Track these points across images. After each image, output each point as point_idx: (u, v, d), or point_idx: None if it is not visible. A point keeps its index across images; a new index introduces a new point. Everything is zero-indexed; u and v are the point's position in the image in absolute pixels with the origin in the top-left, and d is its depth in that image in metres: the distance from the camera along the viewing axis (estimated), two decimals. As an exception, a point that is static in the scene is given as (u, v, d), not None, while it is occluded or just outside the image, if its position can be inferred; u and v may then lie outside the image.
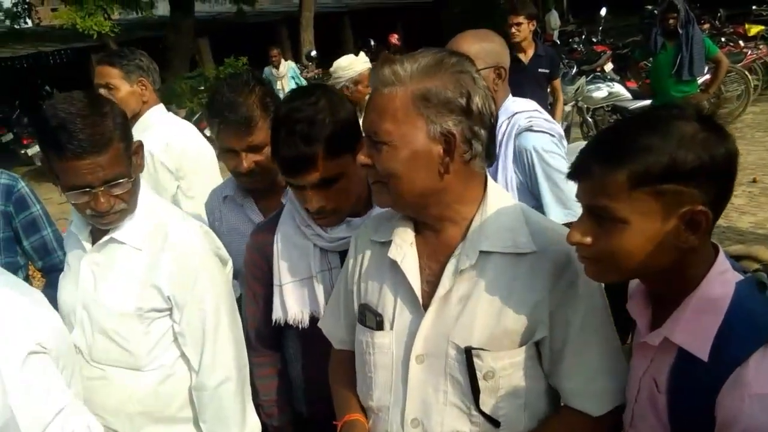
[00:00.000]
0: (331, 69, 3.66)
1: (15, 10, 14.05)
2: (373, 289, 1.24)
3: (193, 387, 1.54)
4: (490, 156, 1.15)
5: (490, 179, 1.20)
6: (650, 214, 0.92)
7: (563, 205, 1.88)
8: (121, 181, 1.38)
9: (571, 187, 2.07)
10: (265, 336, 1.61)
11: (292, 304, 1.48)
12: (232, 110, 1.64)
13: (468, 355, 1.11)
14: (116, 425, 1.52)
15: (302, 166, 1.31)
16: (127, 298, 1.47)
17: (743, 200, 5.14)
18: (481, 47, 1.82)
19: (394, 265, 1.19)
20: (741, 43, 8.53)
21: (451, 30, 1.96)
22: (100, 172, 1.33)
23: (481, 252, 1.12)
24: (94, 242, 1.51)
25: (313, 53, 12.01)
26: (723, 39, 8.68)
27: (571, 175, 1.01)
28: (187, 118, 9.53)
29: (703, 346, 0.94)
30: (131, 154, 1.43)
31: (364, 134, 1.15)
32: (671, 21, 4.86)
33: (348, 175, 1.36)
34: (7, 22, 14.37)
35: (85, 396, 1.51)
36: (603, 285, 1.16)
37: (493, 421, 1.12)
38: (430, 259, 1.18)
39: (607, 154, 0.94)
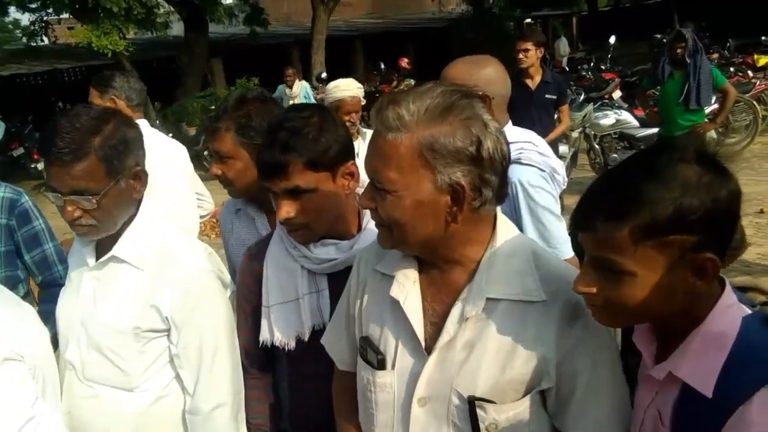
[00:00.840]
0: None
1: (32, 28, 14.28)
2: (375, 324, 1.21)
3: (187, 410, 1.51)
4: (501, 197, 1.10)
5: (500, 214, 1.16)
6: (657, 265, 0.90)
7: (546, 243, 1.82)
8: (88, 196, 1.37)
9: (556, 225, 1.98)
10: (256, 357, 1.59)
11: (278, 326, 1.47)
12: (214, 115, 1.77)
13: (471, 405, 1.08)
14: (104, 445, 1.49)
15: (274, 172, 1.33)
16: (125, 316, 1.45)
17: (750, 231, 5.07)
18: (480, 75, 1.80)
19: (395, 303, 1.15)
20: (750, 73, 8.58)
21: (461, 55, 1.95)
22: (68, 180, 1.35)
23: (488, 299, 1.08)
24: (97, 258, 1.51)
25: (324, 75, 12.11)
26: (732, 69, 8.73)
27: (574, 227, 0.99)
28: (197, 136, 9.66)
29: (708, 382, 0.91)
30: (119, 178, 1.41)
31: (368, 177, 1.10)
32: (679, 50, 4.88)
33: (320, 192, 1.35)
34: (24, 40, 14.64)
35: (75, 414, 1.50)
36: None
37: None
38: (434, 300, 1.14)
39: (609, 209, 0.92)
